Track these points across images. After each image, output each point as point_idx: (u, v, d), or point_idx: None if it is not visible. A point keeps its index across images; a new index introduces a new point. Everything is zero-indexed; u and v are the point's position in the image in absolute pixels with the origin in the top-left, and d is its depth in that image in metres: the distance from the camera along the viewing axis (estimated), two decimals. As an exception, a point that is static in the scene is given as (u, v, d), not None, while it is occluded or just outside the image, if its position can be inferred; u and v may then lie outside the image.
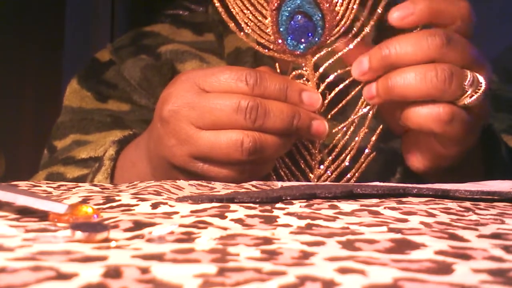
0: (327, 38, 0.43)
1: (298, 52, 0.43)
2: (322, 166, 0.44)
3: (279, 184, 0.37)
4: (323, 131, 0.42)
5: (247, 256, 0.17)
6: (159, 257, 0.17)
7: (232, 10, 0.43)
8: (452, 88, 0.38)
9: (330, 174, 0.43)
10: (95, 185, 0.36)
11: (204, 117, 0.40)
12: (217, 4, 0.43)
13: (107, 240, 0.19)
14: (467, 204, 0.29)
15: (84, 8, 1.27)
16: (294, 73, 0.43)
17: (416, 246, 0.19)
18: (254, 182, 0.38)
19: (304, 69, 0.43)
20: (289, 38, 0.43)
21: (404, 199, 0.30)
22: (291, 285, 0.14)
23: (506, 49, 1.13)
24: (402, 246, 0.19)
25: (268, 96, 0.40)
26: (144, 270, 0.15)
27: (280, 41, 0.43)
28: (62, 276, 0.15)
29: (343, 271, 0.15)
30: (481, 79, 0.40)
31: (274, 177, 0.44)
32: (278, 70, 0.45)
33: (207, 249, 0.18)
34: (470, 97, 0.39)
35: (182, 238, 0.19)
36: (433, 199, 0.30)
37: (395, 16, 0.40)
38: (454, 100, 0.39)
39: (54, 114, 0.65)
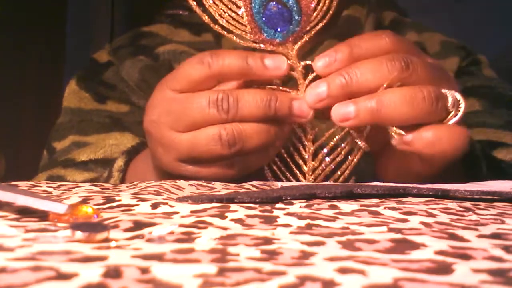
0: (306, 25, 0.42)
1: (276, 42, 0.42)
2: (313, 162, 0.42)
3: (279, 184, 0.37)
4: (306, 111, 0.40)
5: (247, 256, 0.17)
6: (159, 257, 0.17)
7: (204, 2, 0.42)
8: (439, 110, 0.38)
9: (324, 167, 0.42)
10: (95, 185, 0.36)
11: (180, 120, 0.40)
12: (195, 7, 0.42)
13: (107, 240, 0.19)
14: (467, 204, 0.29)
15: (84, 9, 1.27)
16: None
17: (416, 246, 0.19)
18: (254, 182, 0.38)
19: (289, 59, 0.41)
20: (266, 27, 0.41)
21: (404, 199, 0.30)
22: (291, 285, 0.14)
23: (506, 48, 1.13)
24: (402, 246, 0.19)
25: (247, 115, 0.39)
26: (144, 270, 0.15)
27: (256, 30, 0.41)
28: (62, 276, 0.15)
29: (343, 271, 0.15)
30: (458, 96, 0.39)
31: (268, 170, 0.43)
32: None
33: (207, 249, 0.18)
34: (455, 116, 0.39)
35: (182, 238, 0.19)
36: (433, 199, 0.30)
37: (319, 65, 0.40)
38: (439, 121, 0.39)
39: (54, 115, 0.66)
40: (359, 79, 0.38)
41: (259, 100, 0.39)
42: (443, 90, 0.39)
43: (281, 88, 0.41)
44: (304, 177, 0.42)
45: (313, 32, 0.42)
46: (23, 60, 1.19)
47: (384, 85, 0.38)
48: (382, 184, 0.35)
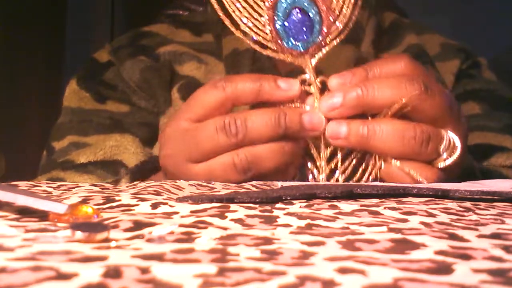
0: (326, 36, 0.42)
1: (296, 52, 0.42)
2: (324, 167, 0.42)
3: (279, 184, 0.37)
4: (318, 123, 0.39)
5: (247, 256, 0.17)
6: (159, 257, 0.17)
7: (228, 8, 0.42)
8: (428, 152, 0.38)
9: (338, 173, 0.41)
10: (95, 185, 0.36)
11: (194, 150, 0.39)
12: (213, 1, 0.42)
13: (107, 240, 0.19)
14: (467, 204, 0.29)
15: (84, 9, 1.27)
16: (298, 78, 0.41)
17: (416, 246, 0.19)
18: (254, 182, 0.38)
19: (306, 72, 0.41)
20: (286, 35, 0.42)
21: (404, 199, 0.30)
22: (291, 285, 0.14)
23: (506, 49, 1.13)
24: (402, 246, 0.19)
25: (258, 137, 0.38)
26: (144, 270, 0.15)
27: (278, 39, 0.42)
28: (62, 276, 0.15)
29: (343, 271, 0.15)
30: (457, 142, 0.39)
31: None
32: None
33: (207, 249, 0.18)
34: (445, 161, 0.39)
35: (182, 238, 0.19)
36: (433, 199, 0.30)
37: (333, 84, 0.40)
38: (428, 161, 0.39)
39: (55, 115, 0.66)
40: (376, 94, 0.38)
41: (267, 119, 0.38)
42: (443, 131, 0.39)
43: (292, 104, 0.41)
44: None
45: (331, 46, 0.42)
46: (22, 60, 1.19)
47: (403, 100, 0.38)
48: (382, 184, 0.35)
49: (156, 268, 0.16)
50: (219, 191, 0.33)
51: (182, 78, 0.62)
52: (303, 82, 0.41)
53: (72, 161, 0.57)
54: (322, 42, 0.42)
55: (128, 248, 0.18)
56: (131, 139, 0.59)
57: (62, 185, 0.36)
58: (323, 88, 0.41)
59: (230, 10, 0.42)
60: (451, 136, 0.39)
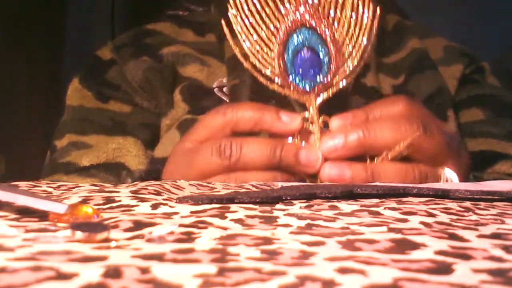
0: (333, 78, 0.42)
1: (302, 90, 0.42)
2: None
3: (279, 184, 0.37)
4: (314, 160, 0.40)
5: (247, 256, 0.17)
6: (159, 257, 0.17)
7: (240, 39, 0.43)
8: None
9: None
10: (95, 185, 0.36)
11: (191, 169, 0.41)
12: (226, 29, 0.42)
13: (107, 240, 0.19)
14: (467, 204, 0.29)
15: (84, 9, 1.28)
16: (301, 115, 0.42)
17: (416, 246, 0.19)
18: (254, 182, 0.38)
19: (309, 111, 0.42)
20: (294, 72, 0.42)
21: (404, 199, 0.30)
22: (291, 285, 0.14)
23: (506, 49, 1.13)
24: (402, 246, 0.19)
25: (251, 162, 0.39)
26: (144, 270, 0.15)
27: (285, 75, 0.42)
28: (62, 276, 0.15)
29: (343, 271, 0.15)
30: (455, 179, 0.40)
31: None
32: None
33: (207, 249, 0.18)
34: None
35: (182, 238, 0.19)
36: (433, 199, 0.30)
37: (334, 125, 0.40)
38: None
39: (55, 115, 0.65)
40: (377, 136, 0.39)
41: (263, 148, 0.39)
42: (440, 170, 0.40)
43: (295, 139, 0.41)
44: None
45: (337, 87, 0.43)
46: (23, 60, 1.19)
47: (402, 144, 0.39)
48: (382, 184, 0.35)
49: (156, 268, 0.16)
50: (219, 191, 0.33)
51: (184, 80, 0.62)
52: (305, 119, 0.42)
53: (74, 164, 0.57)
54: (329, 83, 0.42)
55: (128, 248, 0.18)
56: (133, 142, 0.59)
57: (62, 185, 0.36)
58: (325, 127, 0.42)
59: (241, 41, 0.42)
60: (448, 175, 0.40)
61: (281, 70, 0.42)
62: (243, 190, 0.34)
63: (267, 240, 0.19)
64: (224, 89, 0.59)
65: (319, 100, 0.42)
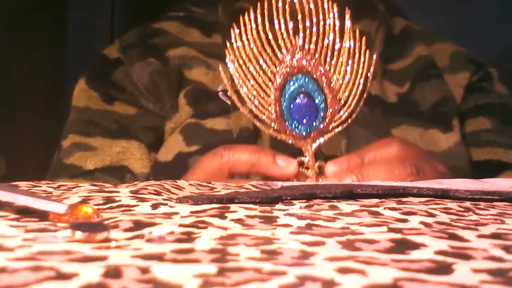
0: (329, 124, 0.43)
1: (298, 135, 0.43)
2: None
3: (279, 184, 0.37)
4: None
5: (247, 256, 0.17)
6: (159, 257, 0.17)
7: (237, 84, 0.43)
8: None
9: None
10: (95, 185, 0.36)
11: None
12: (222, 74, 0.43)
13: (107, 240, 0.19)
14: (467, 204, 0.29)
15: (84, 9, 1.28)
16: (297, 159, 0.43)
17: (416, 246, 0.19)
18: (254, 182, 0.38)
19: (305, 156, 0.43)
20: (290, 117, 0.43)
21: (404, 199, 0.30)
22: (291, 285, 0.14)
23: (506, 49, 1.13)
24: (402, 246, 0.19)
25: None
26: (144, 270, 0.15)
27: (281, 121, 0.43)
28: (62, 276, 0.15)
29: (343, 271, 0.15)
30: None
31: None
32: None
33: (207, 249, 0.18)
34: None
35: (182, 238, 0.19)
36: (433, 199, 0.30)
37: (330, 170, 0.42)
38: None
39: (55, 115, 0.66)
40: (371, 180, 0.40)
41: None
42: None
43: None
44: None
45: (333, 133, 0.43)
46: (23, 61, 1.19)
47: None
48: (382, 184, 0.35)
49: (156, 268, 0.16)
50: (219, 191, 0.33)
51: (189, 83, 0.62)
52: (301, 164, 0.43)
53: (80, 168, 0.58)
54: (324, 129, 0.43)
55: (128, 248, 0.18)
56: (137, 145, 0.59)
57: (62, 185, 0.36)
58: (320, 173, 0.43)
59: (238, 87, 0.43)
60: None
61: (277, 115, 0.43)
62: (243, 190, 0.34)
63: (267, 240, 0.19)
64: (229, 93, 0.60)
65: (315, 145, 0.43)
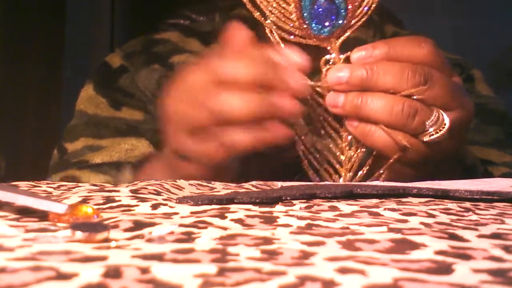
0: (351, 19, 0.43)
1: (322, 36, 0.43)
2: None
3: (279, 184, 0.37)
4: (338, 100, 0.41)
5: (247, 256, 0.17)
6: (159, 257, 0.17)
7: None
8: (414, 125, 0.40)
9: (360, 155, 0.43)
10: (95, 185, 0.36)
11: (186, 128, 0.42)
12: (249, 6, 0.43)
13: (107, 240, 0.19)
14: (467, 204, 0.29)
15: (84, 9, 1.28)
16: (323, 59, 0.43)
17: (416, 246, 0.19)
18: (254, 182, 0.38)
19: (330, 53, 0.43)
20: (313, 22, 0.43)
21: (404, 200, 0.30)
22: (291, 285, 0.14)
23: (506, 49, 1.13)
24: (402, 246, 0.19)
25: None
26: (144, 270, 0.15)
27: (304, 26, 0.43)
28: (62, 276, 0.15)
29: (343, 271, 0.15)
30: (446, 120, 0.41)
31: (305, 160, 0.44)
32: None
33: (207, 249, 0.18)
34: (430, 136, 0.41)
35: (182, 238, 0.19)
36: (433, 199, 0.30)
37: (355, 57, 0.42)
38: (415, 134, 0.41)
39: (55, 115, 0.66)
40: (379, 79, 0.41)
41: (250, 66, 0.40)
42: (434, 108, 0.41)
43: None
44: (341, 166, 0.44)
45: (356, 27, 0.44)
46: (22, 61, 1.19)
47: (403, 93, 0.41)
48: (382, 184, 0.35)
49: (156, 268, 0.16)
50: (219, 191, 0.33)
51: None
52: (327, 62, 0.43)
53: (87, 161, 0.58)
54: (346, 25, 0.44)
55: (128, 248, 0.18)
56: (146, 144, 0.60)
57: (62, 185, 0.36)
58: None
59: (258, 1, 0.43)
60: (441, 114, 0.41)
61: (300, 22, 0.43)
62: (243, 190, 0.34)
63: (267, 240, 0.19)
64: None
65: (339, 41, 0.44)
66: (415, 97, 0.40)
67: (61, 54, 1.24)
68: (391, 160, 0.42)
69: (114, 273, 0.15)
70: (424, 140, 0.41)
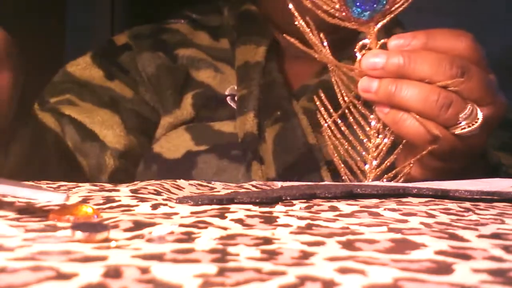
0: (391, 5, 0.43)
1: (362, 20, 0.43)
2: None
3: (279, 184, 0.37)
4: (370, 86, 0.41)
5: (247, 256, 0.17)
6: (159, 257, 0.17)
7: None
8: (447, 116, 0.40)
9: (387, 143, 0.43)
10: (95, 185, 0.36)
11: None
12: None
13: (107, 240, 0.19)
14: (467, 204, 0.29)
15: (84, 9, 1.28)
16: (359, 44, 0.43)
17: (416, 246, 0.19)
18: (254, 182, 0.38)
19: (367, 37, 0.43)
20: (355, 6, 0.43)
21: (404, 200, 0.30)
22: (291, 285, 0.14)
23: (507, 49, 1.13)
24: (402, 246, 0.19)
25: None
26: (144, 270, 0.15)
27: (345, 9, 0.43)
28: (62, 276, 0.15)
29: (343, 271, 0.15)
30: (479, 114, 0.41)
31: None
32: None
33: (207, 249, 0.18)
34: (462, 129, 0.40)
35: (182, 238, 0.19)
36: (433, 199, 0.30)
37: (392, 44, 0.41)
38: (447, 126, 0.40)
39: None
40: (416, 67, 0.40)
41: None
42: (468, 102, 0.40)
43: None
44: (368, 153, 0.43)
45: (396, 12, 0.43)
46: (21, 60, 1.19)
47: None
48: (382, 184, 0.35)
49: (156, 268, 0.16)
50: (219, 191, 0.33)
51: (198, 85, 0.63)
52: (363, 47, 0.43)
53: (56, 109, 0.59)
54: (387, 10, 0.43)
55: (128, 248, 0.18)
56: (119, 121, 0.60)
57: (62, 185, 0.36)
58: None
59: None
60: (475, 108, 0.41)
61: (341, 4, 0.43)
62: (243, 190, 0.34)
63: (267, 240, 0.19)
64: (236, 98, 0.61)
65: (377, 27, 0.43)
66: (450, 89, 0.40)
67: (61, 54, 1.24)
68: (424, 152, 0.41)
69: (114, 273, 0.15)
70: (456, 133, 0.40)
